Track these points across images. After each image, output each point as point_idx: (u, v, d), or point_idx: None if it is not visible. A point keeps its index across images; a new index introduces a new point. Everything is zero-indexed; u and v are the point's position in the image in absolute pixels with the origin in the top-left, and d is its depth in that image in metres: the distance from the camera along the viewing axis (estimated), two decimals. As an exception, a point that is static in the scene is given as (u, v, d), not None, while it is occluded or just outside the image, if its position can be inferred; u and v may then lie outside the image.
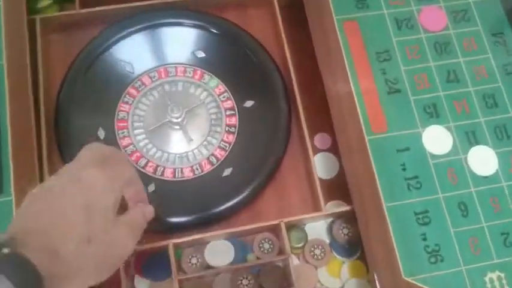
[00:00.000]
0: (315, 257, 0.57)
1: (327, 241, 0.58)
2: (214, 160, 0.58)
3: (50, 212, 0.33)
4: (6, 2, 0.56)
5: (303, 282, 0.56)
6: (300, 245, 0.57)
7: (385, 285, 0.52)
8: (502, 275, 0.53)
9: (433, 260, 0.53)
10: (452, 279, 0.52)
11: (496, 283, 0.53)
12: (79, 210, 0.34)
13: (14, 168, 0.50)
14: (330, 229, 0.59)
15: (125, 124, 0.59)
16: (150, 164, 0.57)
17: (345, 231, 0.57)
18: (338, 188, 0.58)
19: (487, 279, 0.53)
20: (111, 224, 0.36)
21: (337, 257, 0.58)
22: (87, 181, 0.35)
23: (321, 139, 0.62)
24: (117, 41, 0.60)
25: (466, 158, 0.56)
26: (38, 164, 0.53)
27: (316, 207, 0.57)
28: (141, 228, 0.39)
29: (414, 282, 0.52)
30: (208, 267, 0.56)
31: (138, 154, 0.58)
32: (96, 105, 0.58)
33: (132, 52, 0.60)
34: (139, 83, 0.60)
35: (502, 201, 0.54)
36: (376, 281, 0.52)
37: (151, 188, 0.56)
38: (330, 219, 0.59)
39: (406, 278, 0.52)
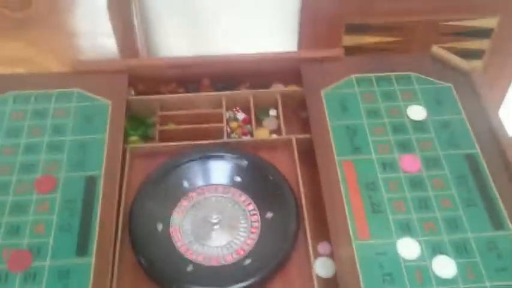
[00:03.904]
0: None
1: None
2: (240, 252, 0.80)
3: None
4: (110, 136, 0.87)
5: None
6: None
7: None
8: None
9: None
10: None
11: None
12: None
13: (98, 238, 0.75)
14: (324, 316, 0.76)
15: (177, 221, 0.83)
16: (189, 250, 0.80)
17: (336, 317, 0.74)
18: (333, 285, 0.77)
19: None
20: None
21: None
22: None
23: (323, 246, 0.82)
24: (179, 165, 0.88)
25: (430, 263, 0.74)
26: (114, 238, 0.77)
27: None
28: None
29: None
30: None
31: (182, 242, 0.81)
32: (159, 206, 0.84)
33: (189, 174, 0.87)
34: (192, 194, 0.86)
35: (460, 299, 0.71)
36: None
37: (190, 268, 0.78)
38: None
39: None
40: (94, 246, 0.76)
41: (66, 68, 1.01)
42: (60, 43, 1.29)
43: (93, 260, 0.75)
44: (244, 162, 0.88)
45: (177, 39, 1.52)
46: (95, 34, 1.32)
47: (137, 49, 1.41)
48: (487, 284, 0.73)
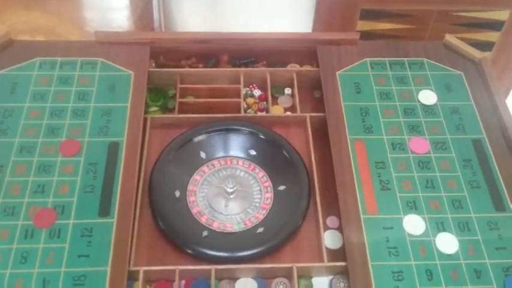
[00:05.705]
0: (317, 302, 0.78)
1: (328, 293, 0.80)
2: (253, 221, 0.84)
3: None
4: (132, 106, 0.91)
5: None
6: (307, 292, 0.79)
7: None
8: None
9: (402, 308, 0.73)
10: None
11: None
12: None
13: (119, 200, 0.79)
14: (330, 284, 0.80)
15: (194, 189, 0.87)
16: (205, 217, 0.84)
17: (341, 285, 0.79)
18: (340, 256, 0.81)
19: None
20: None
21: (335, 306, 0.79)
22: None
23: (331, 220, 0.87)
24: (198, 136, 0.91)
25: (434, 239, 0.78)
26: (134, 199, 0.81)
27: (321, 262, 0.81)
28: None
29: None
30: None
31: (198, 209, 0.85)
32: (177, 175, 0.87)
33: (207, 145, 0.91)
34: (209, 165, 0.90)
35: (460, 273, 0.76)
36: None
37: (205, 233, 0.82)
38: (331, 277, 0.80)
39: (381, 317, 0.72)
40: (116, 208, 0.80)
41: (89, 38, 1.04)
42: (80, 15, 1.32)
43: (115, 220, 0.79)
44: (260, 137, 0.92)
45: (193, 17, 1.55)
46: (114, 8, 1.35)
47: (154, 25, 1.44)
48: (487, 260, 0.77)
